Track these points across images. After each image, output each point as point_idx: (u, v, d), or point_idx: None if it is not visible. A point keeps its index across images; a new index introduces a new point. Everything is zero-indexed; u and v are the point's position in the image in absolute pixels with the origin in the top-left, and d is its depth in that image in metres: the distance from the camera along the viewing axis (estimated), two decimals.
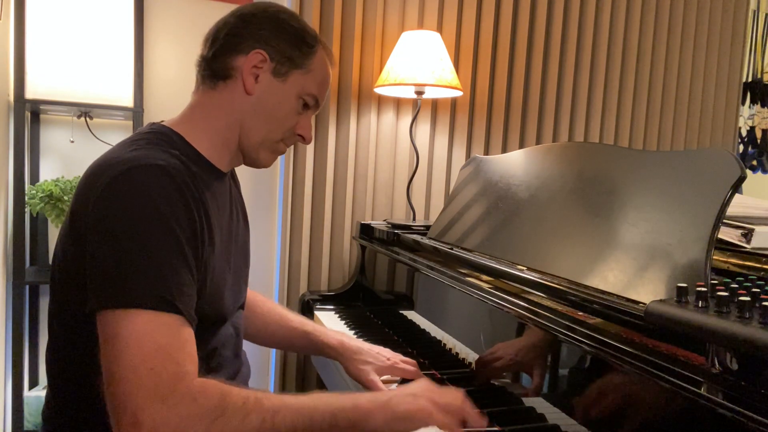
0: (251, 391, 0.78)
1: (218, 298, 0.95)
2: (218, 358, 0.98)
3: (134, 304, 0.74)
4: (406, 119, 2.05)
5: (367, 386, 1.13)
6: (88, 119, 1.90)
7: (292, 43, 0.98)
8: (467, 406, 0.89)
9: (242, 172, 1.15)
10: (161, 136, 0.92)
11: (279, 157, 1.16)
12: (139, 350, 0.72)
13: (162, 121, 0.99)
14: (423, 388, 0.88)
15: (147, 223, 0.77)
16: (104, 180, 0.80)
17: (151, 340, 0.73)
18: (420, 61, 1.78)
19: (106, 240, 0.77)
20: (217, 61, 0.97)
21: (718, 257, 1.07)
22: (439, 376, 1.23)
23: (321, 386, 1.73)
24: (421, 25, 2.05)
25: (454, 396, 0.89)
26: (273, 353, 2.03)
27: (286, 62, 0.97)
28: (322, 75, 1.02)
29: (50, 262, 1.83)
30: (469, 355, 1.18)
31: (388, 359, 1.17)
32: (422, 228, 1.70)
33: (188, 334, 0.78)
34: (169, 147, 0.90)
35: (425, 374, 1.22)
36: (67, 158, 1.93)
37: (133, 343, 0.72)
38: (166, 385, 0.71)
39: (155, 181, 0.80)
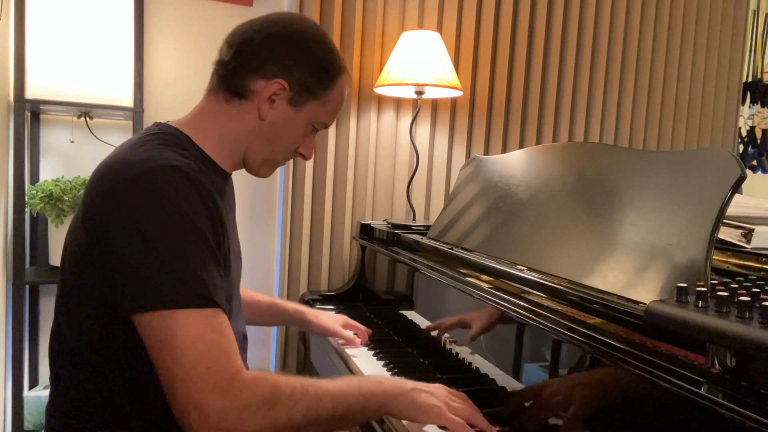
0: (296, 379, 0.84)
1: (231, 295, 0.97)
2: None
3: (179, 304, 0.77)
4: (406, 119, 2.05)
5: (333, 334, 1.41)
6: (88, 119, 1.90)
7: (314, 75, 0.97)
8: (478, 416, 0.93)
9: (242, 171, 1.15)
10: (170, 137, 0.93)
11: None
12: (195, 351, 0.76)
13: (168, 122, 0.99)
14: (442, 391, 0.94)
15: (174, 224, 0.80)
16: (123, 181, 0.81)
17: (203, 340, 0.76)
18: (420, 61, 1.78)
19: (137, 243, 0.78)
20: (236, 78, 0.96)
21: (718, 257, 1.07)
22: (439, 376, 1.23)
23: None
24: (421, 25, 2.05)
25: (467, 404, 0.95)
26: (273, 354, 2.03)
27: (304, 92, 0.97)
28: (338, 104, 1.03)
29: (50, 261, 1.84)
30: (469, 356, 1.18)
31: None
32: (422, 228, 1.70)
33: (227, 325, 0.82)
34: (178, 148, 0.91)
35: (425, 376, 1.22)
36: (67, 158, 1.93)
37: (189, 346, 0.76)
38: (224, 380, 0.76)
39: (175, 182, 0.82)
